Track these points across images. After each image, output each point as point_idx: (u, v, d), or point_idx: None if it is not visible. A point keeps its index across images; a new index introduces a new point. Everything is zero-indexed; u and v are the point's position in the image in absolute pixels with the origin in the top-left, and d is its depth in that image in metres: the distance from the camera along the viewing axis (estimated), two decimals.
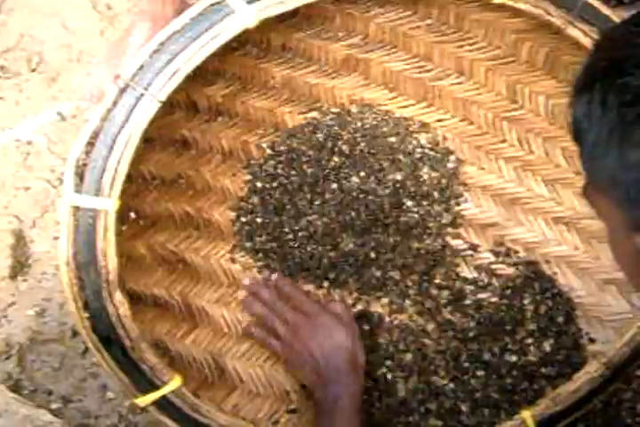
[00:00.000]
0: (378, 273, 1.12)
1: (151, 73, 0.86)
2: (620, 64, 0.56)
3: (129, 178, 0.88)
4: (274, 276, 1.11)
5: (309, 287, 1.11)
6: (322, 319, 1.04)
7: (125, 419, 1.13)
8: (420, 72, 1.13)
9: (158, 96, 0.86)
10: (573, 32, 0.95)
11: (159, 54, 0.86)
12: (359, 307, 1.11)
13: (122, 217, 0.99)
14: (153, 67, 0.86)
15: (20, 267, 1.20)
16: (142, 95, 0.86)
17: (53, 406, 1.12)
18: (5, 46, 1.35)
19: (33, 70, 1.34)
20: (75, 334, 1.15)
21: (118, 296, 0.88)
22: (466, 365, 1.06)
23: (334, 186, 1.12)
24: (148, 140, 1.03)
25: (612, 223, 0.61)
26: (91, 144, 0.86)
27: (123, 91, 0.86)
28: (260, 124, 1.13)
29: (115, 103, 0.86)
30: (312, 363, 1.01)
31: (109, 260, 0.87)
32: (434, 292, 1.11)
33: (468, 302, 1.10)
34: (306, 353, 1.02)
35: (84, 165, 0.86)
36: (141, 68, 0.86)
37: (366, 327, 1.09)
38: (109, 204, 0.87)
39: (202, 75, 1.03)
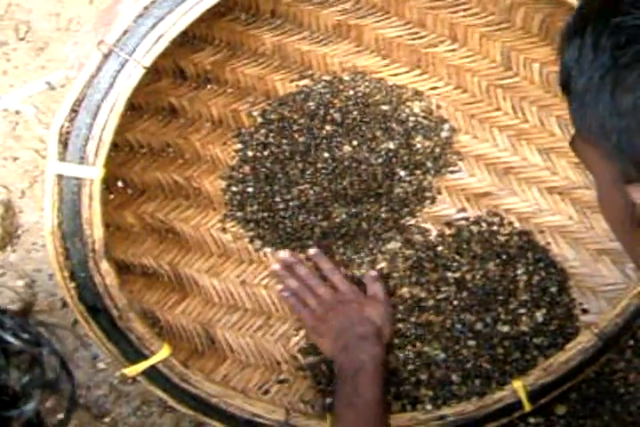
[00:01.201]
0: (370, 244, 1.11)
1: (135, 38, 0.84)
2: (615, 3, 0.53)
3: (115, 146, 0.87)
4: (311, 251, 1.10)
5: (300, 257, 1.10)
6: (354, 297, 1.05)
7: (116, 389, 1.13)
8: (413, 39, 1.11)
9: (143, 62, 0.84)
10: None
11: (143, 19, 0.84)
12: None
13: (109, 186, 0.99)
14: (137, 31, 0.84)
15: (8, 237, 1.19)
16: (127, 61, 0.84)
17: None
18: None
19: (21, 39, 1.32)
20: (64, 304, 1.15)
21: (105, 266, 0.87)
22: (457, 335, 1.05)
23: (326, 155, 1.10)
24: (134, 108, 1.02)
25: (601, 175, 0.59)
26: (74, 111, 0.85)
27: (106, 56, 0.85)
28: (250, 91, 1.11)
29: (98, 69, 0.85)
30: (338, 331, 1.01)
31: (95, 229, 0.87)
32: (426, 263, 1.10)
33: (460, 272, 1.09)
34: (333, 322, 1.02)
35: (68, 132, 0.85)
36: (125, 32, 0.84)
37: None
38: (94, 172, 0.85)
39: (189, 41, 1.01)
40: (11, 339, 0.49)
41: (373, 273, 1.09)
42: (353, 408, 0.94)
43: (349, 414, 0.94)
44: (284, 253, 1.10)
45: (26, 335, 0.49)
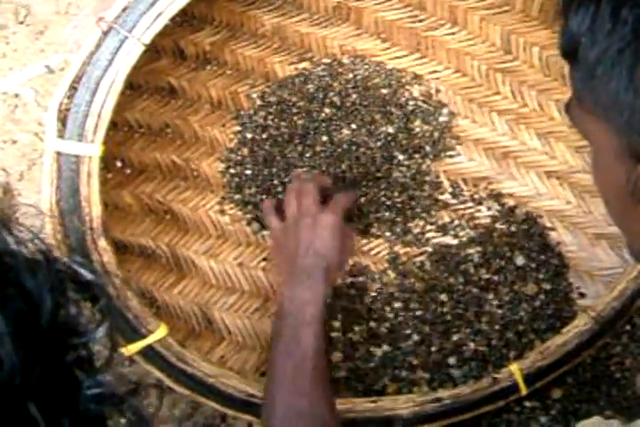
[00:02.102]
0: (367, 228, 1.11)
1: (135, 15, 0.84)
2: None
3: (114, 125, 0.87)
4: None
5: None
6: (329, 222, 0.96)
7: (114, 371, 1.13)
8: (413, 22, 1.11)
9: (142, 39, 0.84)
10: None
11: None
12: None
13: (107, 165, 0.99)
14: (137, 9, 0.84)
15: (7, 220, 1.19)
16: (126, 38, 0.84)
17: None
18: None
19: (20, 23, 1.32)
20: None
21: (102, 244, 0.87)
22: (454, 318, 1.05)
23: (325, 138, 1.10)
24: (133, 87, 1.02)
25: (602, 147, 0.56)
26: (73, 88, 0.85)
27: (106, 34, 0.84)
28: (249, 73, 1.12)
29: (98, 46, 0.84)
30: (291, 255, 0.95)
31: (93, 207, 0.86)
32: (424, 247, 1.10)
33: (457, 257, 1.09)
34: (293, 244, 0.96)
35: (67, 109, 0.85)
36: (125, 9, 0.84)
37: (353, 292, 1.08)
38: (93, 149, 0.85)
39: (189, 21, 1.01)
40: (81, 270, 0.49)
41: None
42: (290, 358, 0.88)
43: (286, 364, 0.88)
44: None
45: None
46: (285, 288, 0.94)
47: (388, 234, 1.11)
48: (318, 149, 1.10)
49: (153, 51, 0.86)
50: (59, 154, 0.85)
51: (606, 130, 0.54)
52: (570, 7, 0.53)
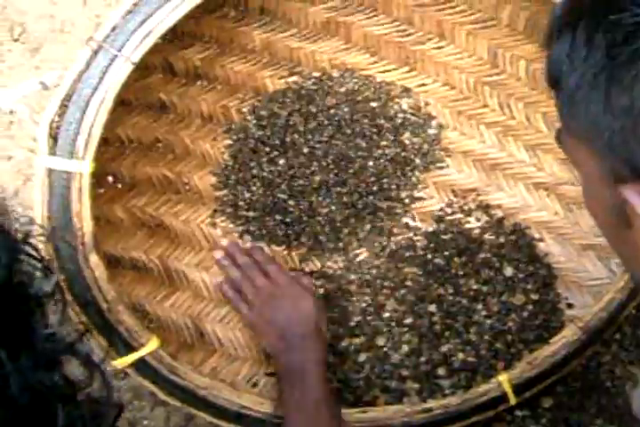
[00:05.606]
0: (357, 238, 1.12)
1: (124, 34, 0.85)
2: (611, 0, 0.51)
3: (105, 141, 0.88)
4: (248, 243, 1.11)
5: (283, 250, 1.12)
6: (291, 290, 1.03)
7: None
8: (401, 36, 1.12)
9: (131, 58, 0.86)
10: None
11: (132, 15, 0.86)
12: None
13: (99, 180, 1.00)
14: (126, 28, 0.86)
15: None
16: (115, 57, 0.85)
17: None
18: None
19: (15, 40, 1.33)
20: None
21: (94, 259, 0.88)
22: (443, 329, 1.06)
23: (316, 152, 1.11)
24: (124, 103, 1.03)
25: (588, 172, 0.57)
26: (64, 106, 0.86)
27: (96, 52, 0.86)
28: (239, 88, 1.13)
29: (88, 65, 0.86)
30: (278, 330, 1.00)
31: (84, 222, 0.88)
32: (410, 258, 1.11)
33: (446, 267, 1.10)
34: (272, 321, 1.01)
35: (58, 127, 0.86)
36: (114, 29, 0.85)
37: (343, 303, 1.09)
38: (84, 166, 0.87)
39: (178, 37, 1.02)
40: None
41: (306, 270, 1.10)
42: (303, 411, 0.93)
43: (300, 417, 0.93)
44: (225, 242, 1.10)
45: None
46: (285, 356, 0.98)
47: (376, 244, 1.12)
48: (309, 162, 1.11)
49: (143, 67, 0.87)
50: (50, 171, 0.86)
51: (591, 155, 0.55)
52: (552, 38, 0.55)
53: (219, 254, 1.09)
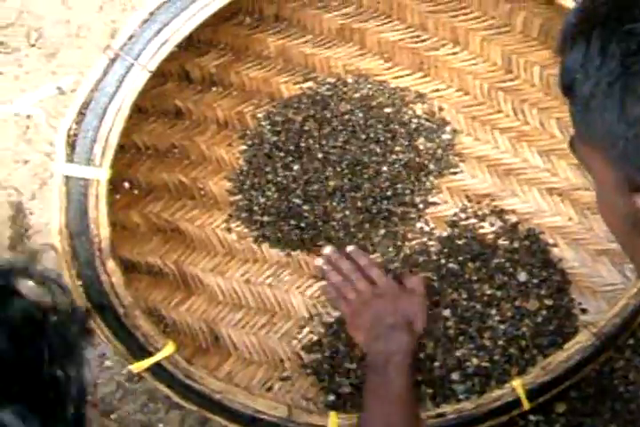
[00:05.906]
0: (372, 243, 1.13)
1: (141, 43, 0.86)
2: (626, 10, 0.51)
3: (122, 148, 0.89)
4: (349, 247, 1.12)
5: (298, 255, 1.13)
6: (392, 290, 1.07)
7: (123, 387, 1.15)
8: (415, 42, 1.12)
9: (148, 66, 0.86)
10: (567, 2, 0.94)
11: (149, 24, 0.86)
12: None
13: (115, 187, 1.01)
14: (142, 36, 0.86)
15: (19, 238, 1.21)
16: (132, 65, 0.86)
17: None
18: (5, 22, 1.34)
19: (32, 45, 1.34)
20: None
21: (111, 264, 0.89)
22: (457, 334, 1.06)
23: (331, 157, 1.12)
24: (140, 111, 1.04)
25: (603, 179, 0.57)
26: (81, 114, 0.87)
27: (113, 61, 0.87)
28: (254, 94, 1.14)
29: (105, 73, 0.87)
30: (371, 323, 1.03)
31: (101, 229, 0.88)
32: (424, 263, 1.12)
33: (460, 272, 1.10)
34: (368, 315, 1.04)
35: (75, 135, 0.87)
36: (131, 37, 0.86)
37: None
38: (101, 173, 0.87)
39: (194, 45, 1.03)
40: None
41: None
42: (384, 400, 0.95)
43: (380, 406, 0.95)
44: (327, 249, 1.11)
45: None
46: (373, 345, 1.01)
47: (390, 249, 1.13)
48: (324, 167, 1.12)
49: (159, 75, 0.88)
50: (67, 178, 0.87)
51: (605, 164, 0.55)
52: (565, 45, 0.55)
53: (319, 261, 1.11)
